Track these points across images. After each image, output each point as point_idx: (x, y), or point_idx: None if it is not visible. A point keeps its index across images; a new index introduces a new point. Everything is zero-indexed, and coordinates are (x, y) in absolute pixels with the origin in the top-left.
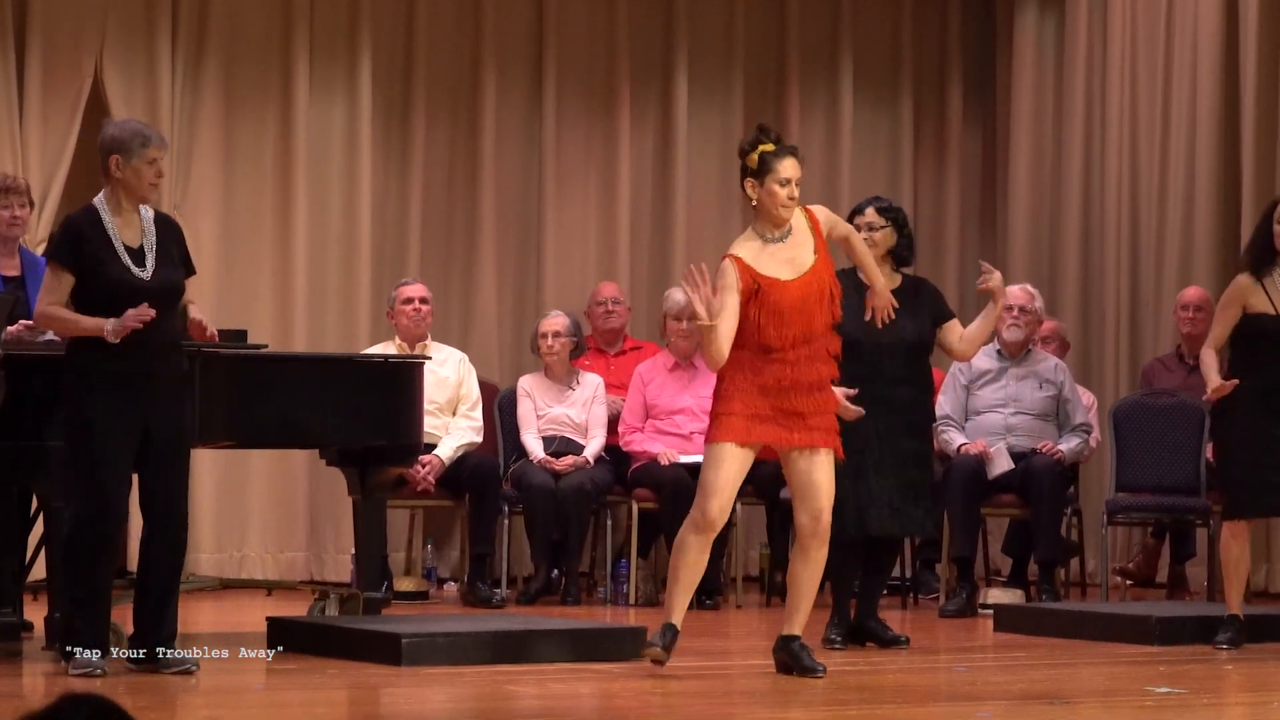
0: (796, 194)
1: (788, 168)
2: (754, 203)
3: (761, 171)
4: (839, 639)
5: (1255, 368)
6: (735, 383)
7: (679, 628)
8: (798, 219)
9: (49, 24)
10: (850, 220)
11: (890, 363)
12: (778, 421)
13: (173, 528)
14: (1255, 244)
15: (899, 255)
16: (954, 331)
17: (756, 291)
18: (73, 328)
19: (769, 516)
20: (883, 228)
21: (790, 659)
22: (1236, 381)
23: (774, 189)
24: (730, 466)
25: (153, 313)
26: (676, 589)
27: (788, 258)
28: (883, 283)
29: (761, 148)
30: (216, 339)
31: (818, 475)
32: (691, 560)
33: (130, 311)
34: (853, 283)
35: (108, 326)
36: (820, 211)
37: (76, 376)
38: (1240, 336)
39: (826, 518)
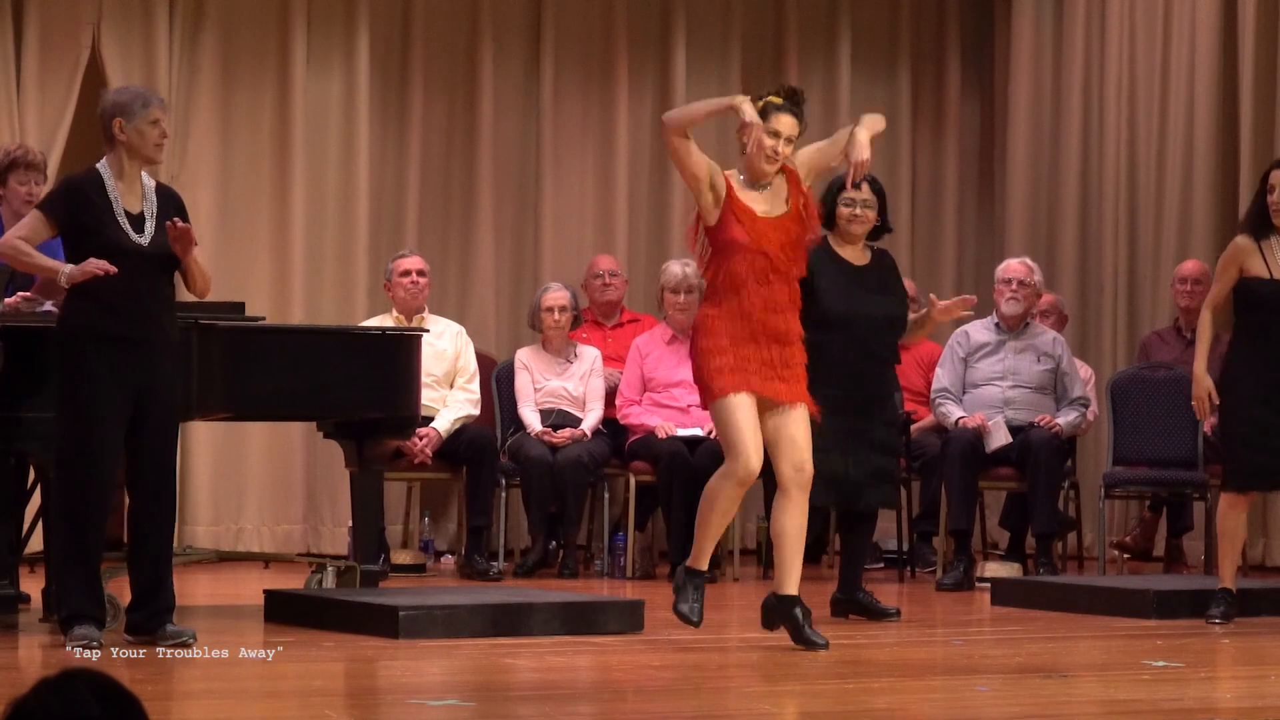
0: (784, 151)
1: (783, 123)
2: (744, 149)
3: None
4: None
5: (1256, 335)
6: (716, 340)
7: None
8: (778, 180)
9: None
10: (837, 193)
11: (868, 339)
12: (761, 373)
13: (162, 496)
14: (1253, 212)
15: (877, 231)
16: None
17: (730, 214)
18: (29, 264)
19: (767, 489)
20: (875, 205)
21: (791, 625)
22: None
23: (762, 138)
24: (748, 414)
25: (113, 268)
26: (707, 534)
27: (765, 201)
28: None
29: (769, 98)
30: (189, 236)
31: (795, 430)
32: (724, 510)
33: (92, 260)
34: (826, 254)
35: (65, 269)
36: (799, 159)
37: (70, 338)
38: (1239, 304)
39: (809, 468)
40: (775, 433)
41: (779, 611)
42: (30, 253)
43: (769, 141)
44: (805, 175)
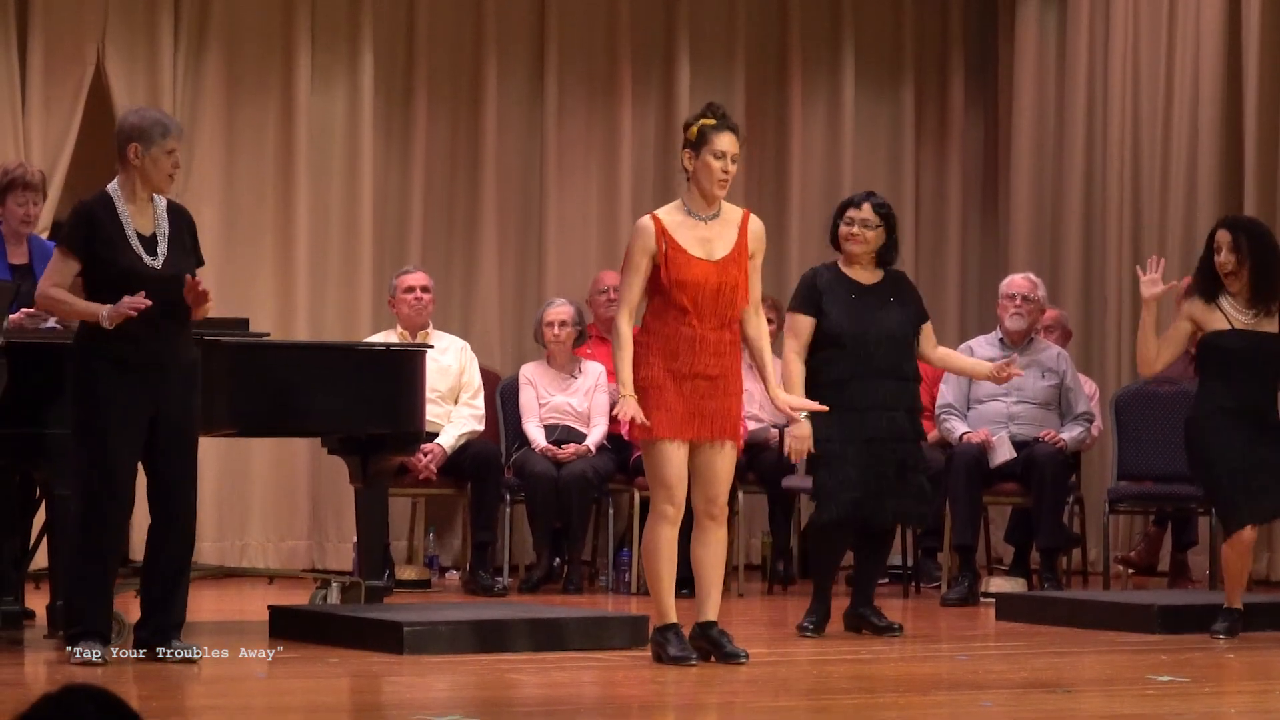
0: (732, 169)
1: (725, 142)
2: (689, 176)
3: (699, 144)
4: (811, 627)
5: (1224, 386)
6: (649, 373)
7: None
8: (731, 213)
9: (51, 12)
10: (843, 212)
11: (877, 355)
12: (694, 415)
13: (181, 517)
14: (1202, 273)
15: (883, 256)
16: (928, 337)
17: (666, 260)
18: (70, 311)
19: (771, 505)
20: (876, 226)
21: (711, 646)
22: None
23: (709, 161)
24: (677, 459)
25: (147, 302)
26: (663, 587)
27: (704, 238)
28: (774, 385)
29: (702, 121)
30: (205, 298)
31: (720, 465)
32: (670, 555)
33: (126, 299)
34: (834, 276)
35: (103, 312)
36: (756, 224)
37: (86, 361)
38: (1204, 359)
39: (722, 501)
40: (697, 465)
41: (700, 638)
42: (67, 299)
43: (716, 164)
44: (754, 248)
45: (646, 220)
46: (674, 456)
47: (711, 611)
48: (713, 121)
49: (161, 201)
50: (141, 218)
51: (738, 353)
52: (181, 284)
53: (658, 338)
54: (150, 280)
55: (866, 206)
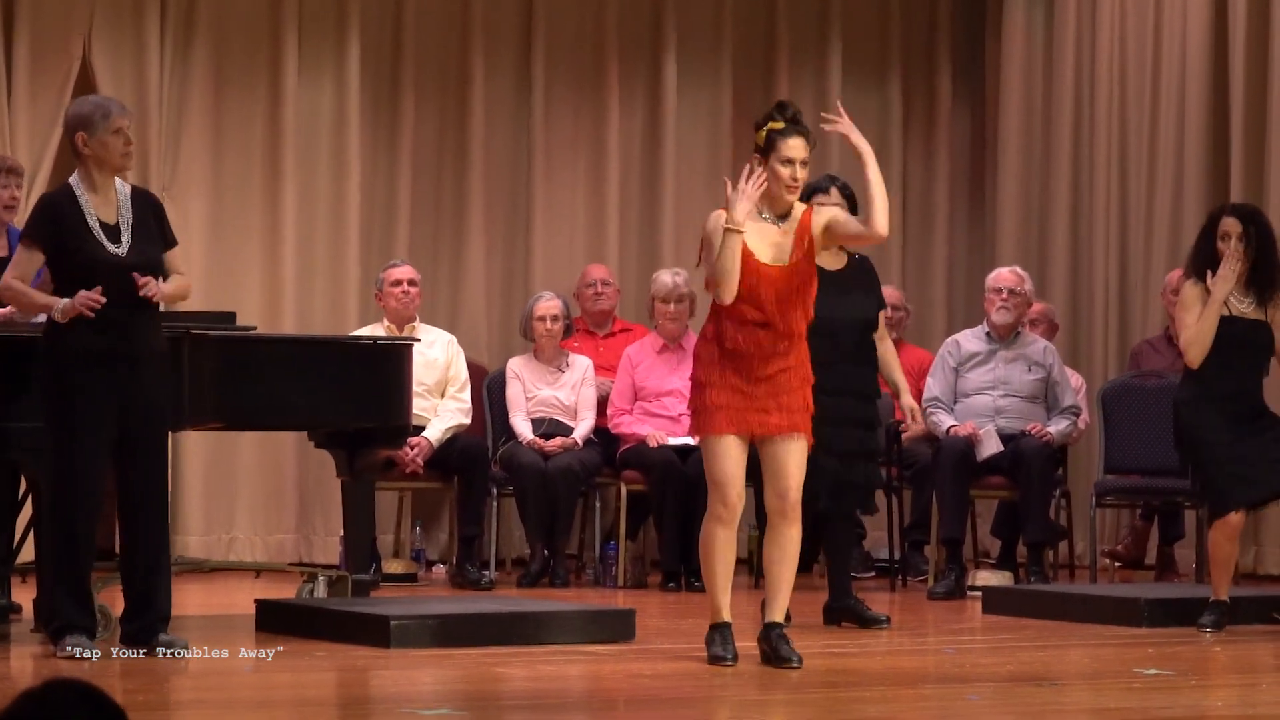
0: (801, 175)
1: (793, 147)
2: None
3: (767, 149)
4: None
5: (1218, 371)
6: (709, 372)
7: (730, 621)
8: (798, 212)
9: (37, 4)
10: (811, 197)
11: (848, 340)
12: (754, 409)
13: (153, 509)
14: (1201, 256)
15: None
16: (880, 327)
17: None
18: (27, 303)
19: (758, 499)
20: (842, 209)
21: (768, 648)
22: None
23: (777, 169)
24: (731, 453)
25: (102, 300)
26: (715, 585)
27: (775, 242)
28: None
29: (770, 125)
30: (153, 295)
31: (785, 459)
32: (722, 554)
33: (81, 294)
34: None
35: (58, 306)
36: (820, 215)
37: (55, 354)
38: None
39: (793, 497)
40: (767, 462)
41: (763, 640)
42: (26, 292)
43: (784, 171)
44: (821, 236)
45: (719, 212)
46: (727, 450)
47: (776, 612)
48: (780, 125)
49: (125, 188)
50: (105, 207)
51: (802, 344)
52: (146, 271)
53: (718, 338)
54: (114, 269)
55: (834, 191)
